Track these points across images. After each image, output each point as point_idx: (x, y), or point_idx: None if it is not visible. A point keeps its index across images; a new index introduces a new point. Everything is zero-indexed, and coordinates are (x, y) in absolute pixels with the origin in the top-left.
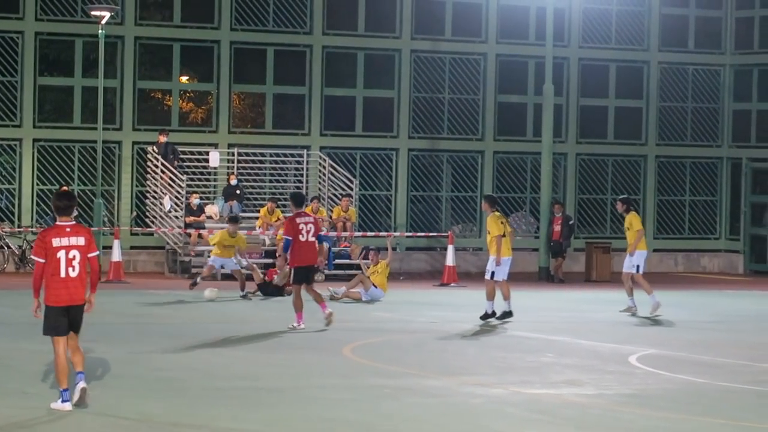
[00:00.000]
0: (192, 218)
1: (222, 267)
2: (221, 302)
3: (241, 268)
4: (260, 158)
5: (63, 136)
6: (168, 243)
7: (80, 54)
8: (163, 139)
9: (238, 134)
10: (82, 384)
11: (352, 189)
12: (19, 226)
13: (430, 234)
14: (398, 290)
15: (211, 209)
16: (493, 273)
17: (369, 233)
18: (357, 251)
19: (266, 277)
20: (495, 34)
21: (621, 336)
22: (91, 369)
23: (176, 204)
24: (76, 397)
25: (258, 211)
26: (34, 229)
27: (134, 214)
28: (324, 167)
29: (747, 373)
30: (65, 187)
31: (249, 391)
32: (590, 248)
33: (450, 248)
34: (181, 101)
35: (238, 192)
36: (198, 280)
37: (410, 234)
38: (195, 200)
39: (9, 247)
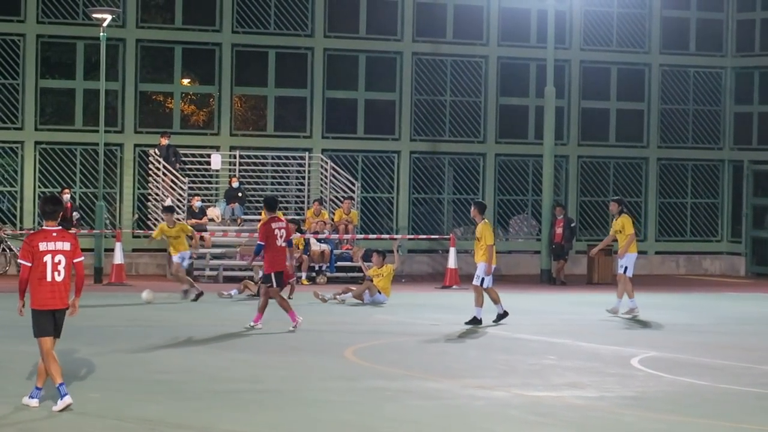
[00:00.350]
0: (194, 221)
1: (182, 260)
2: (221, 304)
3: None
4: (262, 161)
5: (64, 138)
6: None
7: (82, 57)
8: (164, 141)
9: (240, 137)
10: (68, 399)
11: (353, 191)
12: (20, 229)
13: (432, 236)
14: (400, 293)
15: (213, 212)
16: (483, 279)
17: (371, 236)
18: (359, 254)
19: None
20: (496, 37)
21: (622, 338)
22: (92, 371)
23: (178, 206)
24: (59, 407)
25: (260, 214)
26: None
27: (136, 216)
28: (326, 170)
29: (748, 375)
30: (67, 191)
31: (250, 393)
32: (592, 251)
33: (452, 251)
34: (182, 104)
35: (239, 195)
36: (187, 288)
37: (412, 237)
38: (197, 203)
39: (11, 250)
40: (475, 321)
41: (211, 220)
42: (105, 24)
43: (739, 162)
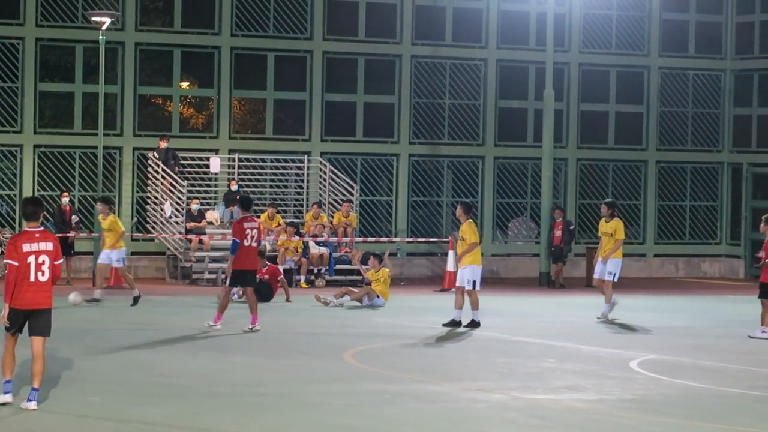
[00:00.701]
0: (193, 224)
1: (112, 261)
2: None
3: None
4: (261, 164)
5: (63, 141)
6: (169, 249)
7: (81, 60)
8: (163, 144)
9: (239, 140)
10: (33, 405)
11: (352, 194)
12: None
13: (431, 239)
14: (399, 296)
15: (212, 215)
16: (475, 282)
17: (370, 239)
18: (358, 257)
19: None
20: (495, 40)
21: (621, 341)
22: (92, 374)
23: (177, 210)
24: (28, 404)
25: (258, 217)
26: None
27: (135, 219)
28: (325, 173)
29: (747, 378)
30: (66, 194)
31: (250, 396)
32: (591, 253)
33: (450, 254)
34: (181, 107)
35: (238, 198)
36: (98, 297)
37: (411, 239)
38: (195, 206)
39: None
40: (472, 324)
41: (210, 223)
42: (104, 27)
43: (738, 164)
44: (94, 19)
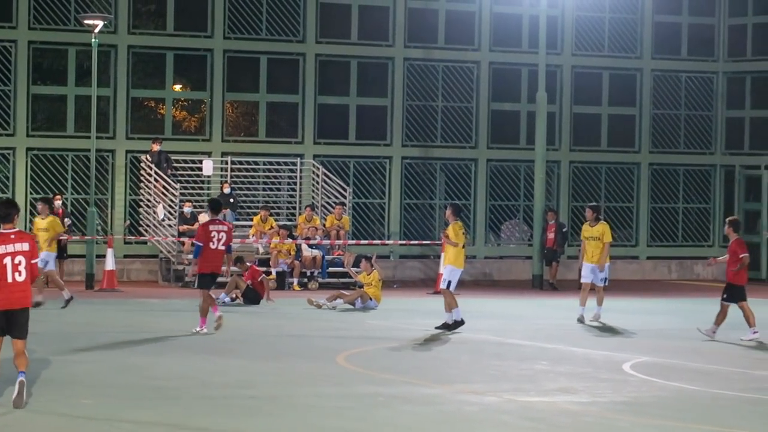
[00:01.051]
0: (185, 227)
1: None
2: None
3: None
4: (253, 167)
5: (56, 144)
6: (161, 251)
7: (73, 63)
8: (156, 147)
9: (232, 143)
10: (21, 377)
11: (345, 197)
12: None
13: (424, 242)
14: (392, 298)
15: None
16: (450, 282)
17: (362, 241)
18: (350, 259)
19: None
20: (488, 42)
21: (614, 343)
22: (85, 377)
23: (169, 212)
24: (15, 390)
25: (251, 220)
26: None
27: (128, 222)
28: (317, 175)
29: (740, 380)
30: (58, 197)
31: (243, 399)
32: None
33: (443, 256)
34: (174, 110)
35: (231, 200)
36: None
37: (404, 242)
38: (188, 209)
39: None
40: (455, 324)
41: None
42: (97, 30)
43: (731, 167)
44: (86, 22)
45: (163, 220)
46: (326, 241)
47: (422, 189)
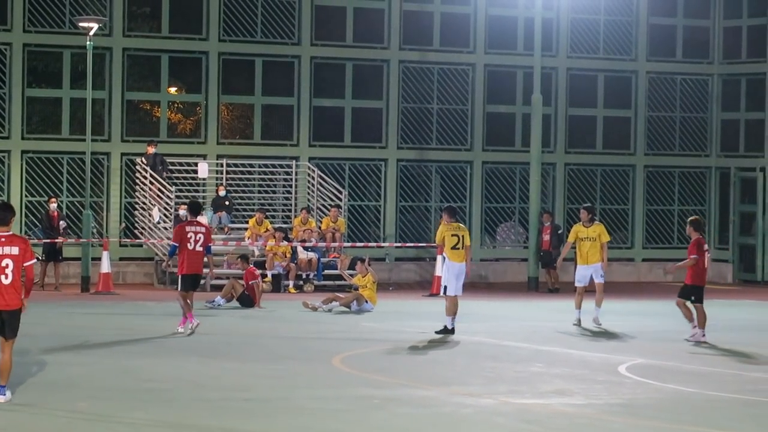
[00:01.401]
0: None
1: None
2: (208, 314)
3: None
4: (249, 169)
5: (51, 147)
6: (157, 254)
7: (68, 65)
8: (151, 150)
9: (227, 145)
10: (2, 398)
11: (341, 200)
12: None
13: (419, 244)
14: (387, 300)
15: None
16: (445, 288)
17: (358, 243)
18: (346, 262)
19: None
20: (483, 45)
21: (610, 346)
22: (80, 380)
23: (165, 215)
24: None
25: (247, 222)
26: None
27: (123, 225)
28: (313, 178)
29: (735, 382)
30: (54, 199)
31: (238, 401)
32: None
33: (439, 258)
34: (169, 112)
35: (226, 203)
36: None
37: (399, 244)
38: (183, 211)
39: None
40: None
41: None
42: (91, 33)
43: (726, 169)
44: (81, 24)
45: (159, 222)
46: (322, 244)
47: (418, 191)
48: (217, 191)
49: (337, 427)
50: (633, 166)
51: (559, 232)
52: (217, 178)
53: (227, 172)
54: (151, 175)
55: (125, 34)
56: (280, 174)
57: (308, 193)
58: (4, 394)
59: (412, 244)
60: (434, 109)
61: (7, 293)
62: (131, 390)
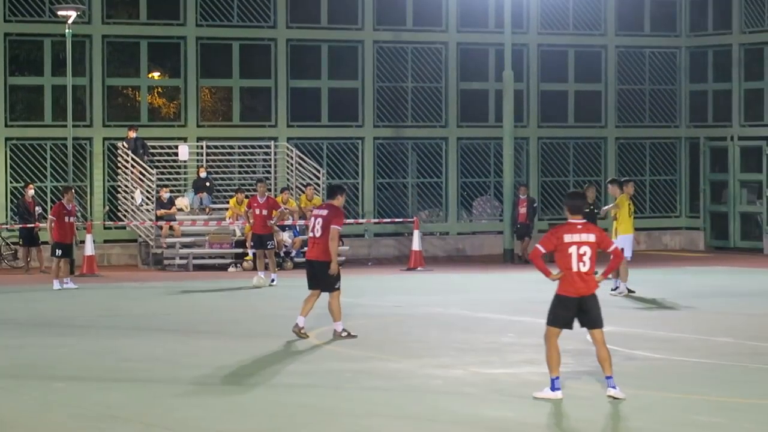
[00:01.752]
0: (163, 211)
1: None
2: (190, 293)
3: None
4: (229, 150)
5: (34, 134)
6: (140, 236)
7: (49, 53)
8: (132, 134)
9: (207, 128)
10: None
11: (319, 178)
12: None
13: (396, 220)
14: (365, 276)
15: (182, 202)
16: None
17: None
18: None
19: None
20: (455, 23)
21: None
22: (60, 361)
23: (147, 198)
24: None
25: (228, 203)
26: (8, 227)
27: (106, 208)
28: (291, 158)
29: (703, 348)
30: (30, 186)
31: (213, 378)
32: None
33: (416, 233)
34: (149, 97)
35: (207, 184)
36: None
37: (377, 220)
38: (165, 194)
39: None
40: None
41: (180, 210)
42: (70, 21)
43: (696, 139)
44: (60, 13)
45: (141, 205)
46: (301, 221)
47: (395, 168)
48: (198, 173)
49: (307, 401)
50: (605, 139)
51: (535, 204)
52: (197, 160)
53: (207, 154)
54: (132, 159)
55: (104, 22)
56: (259, 155)
57: (287, 173)
58: None
59: (389, 220)
60: (409, 87)
61: None
62: (108, 370)
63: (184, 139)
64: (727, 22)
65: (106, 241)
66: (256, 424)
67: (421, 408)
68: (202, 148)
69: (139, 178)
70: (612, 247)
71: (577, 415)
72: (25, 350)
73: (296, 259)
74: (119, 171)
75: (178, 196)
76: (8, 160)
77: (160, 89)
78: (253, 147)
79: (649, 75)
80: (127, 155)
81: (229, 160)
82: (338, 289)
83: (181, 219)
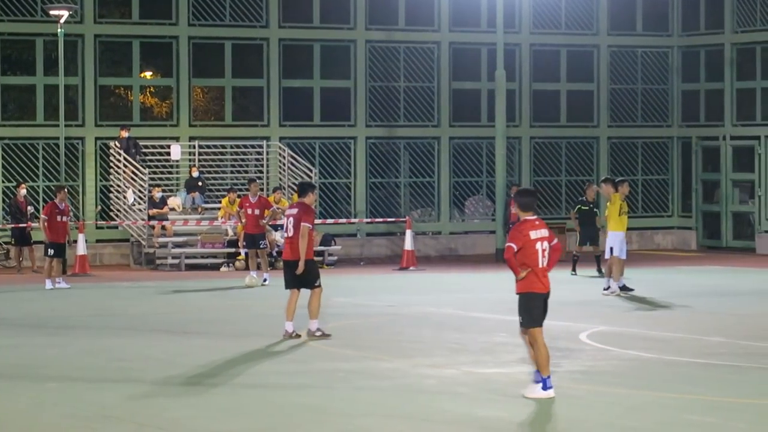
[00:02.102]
0: (155, 211)
1: None
2: (183, 293)
3: None
4: (221, 150)
5: (26, 134)
6: (132, 235)
7: (41, 53)
8: (124, 134)
9: (199, 127)
10: None
11: (312, 178)
12: None
13: (389, 219)
14: (357, 275)
15: (174, 201)
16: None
17: (329, 220)
18: (318, 239)
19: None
20: (447, 23)
21: (573, 314)
22: (52, 361)
23: (139, 197)
24: None
25: (220, 202)
26: (0, 226)
27: (99, 208)
28: (284, 157)
29: (695, 347)
30: (23, 186)
31: (205, 378)
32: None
33: (408, 233)
34: (141, 96)
35: (199, 184)
36: None
37: (370, 220)
38: (158, 193)
39: None
40: None
41: (172, 209)
42: (62, 20)
43: (688, 138)
44: (52, 12)
45: (133, 204)
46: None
47: (387, 168)
48: (190, 172)
49: (301, 401)
50: (597, 138)
51: None
52: (189, 160)
53: (200, 154)
54: (125, 159)
55: (96, 21)
56: (251, 154)
57: (280, 173)
58: None
59: (382, 220)
60: (401, 87)
61: None
62: (101, 369)
63: (177, 139)
64: (719, 22)
65: (98, 241)
66: (248, 424)
67: (414, 407)
68: (194, 147)
69: (132, 178)
70: (555, 241)
71: (569, 415)
72: (18, 350)
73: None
74: (111, 171)
75: (170, 196)
76: (0, 160)
77: (152, 89)
78: (245, 146)
79: (641, 74)
80: (120, 155)
81: (221, 160)
82: (319, 286)
83: (174, 218)
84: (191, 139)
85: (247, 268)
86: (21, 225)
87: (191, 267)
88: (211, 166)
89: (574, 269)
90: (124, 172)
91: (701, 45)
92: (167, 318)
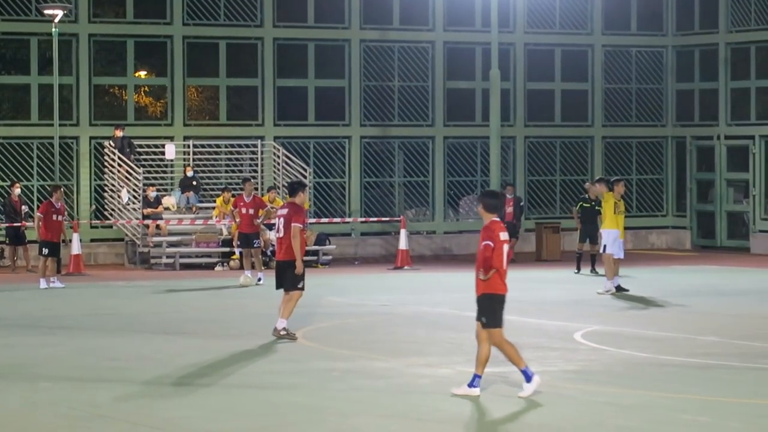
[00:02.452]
0: (150, 210)
1: None
2: (177, 292)
3: None
4: (215, 149)
5: (21, 133)
6: (127, 235)
7: (36, 52)
8: (119, 133)
9: (194, 126)
10: None
11: (306, 177)
12: None
13: (383, 219)
14: (352, 275)
15: (168, 201)
16: None
17: (323, 219)
18: (312, 238)
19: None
20: (442, 22)
21: (568, 314)
22: (47, 361)
23: (134, 197)
24: None
25: (214, 201)
26: None
27: (93, 207)
28: (278, 157)
29: (689, 346)
30: (17, 185)
31: (200, 378)
32: (540, 228)
33: (402, 232)
34: (136, 96)
35: (194, 183)
36: None
37: (364, 219)
38: (152, 193)
39: None
40: None
41: (167, 208)
42: (57, 20)
43: (682, 138)
44: (47, 11)
45: (127, 204)
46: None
47: (381, 167)
48: (184, 172)
49: (295, 400)
50: (591, 138)
51: (521, 204)
52: (184, 159)
53: (194, 153)
54: (119, 158)
55: (91, 21)
56: (246, 154)
57: (274, 172)
58: None
59: (376, 219)
60: (395, 86)
61: None
62: (95, 369)
63: (171, 138)
64: (713, 22)
65: (92, 240)
66: (243, 423)
67: (408, 407)
68: (188, 147)
69: (126, 177)
70: (513, 243)
71: (563, 414)
72: (12, 350)
73: None
74: (106, 170)
75: (164, 195)
76: None
77: (146, 88)
78: (239, 146)
79: (635, 74)
80: (114, 154)
81: (215, 159)
82: (301, 289)
83: (168, 218)
84: (186, 138)
85: (241, 267)
86: (15, 224)
87: (186, 266)
88: (205, 166)
89: (578, 268)
90: (119, 171)
91: (695, 44)
92: (161, 317)
